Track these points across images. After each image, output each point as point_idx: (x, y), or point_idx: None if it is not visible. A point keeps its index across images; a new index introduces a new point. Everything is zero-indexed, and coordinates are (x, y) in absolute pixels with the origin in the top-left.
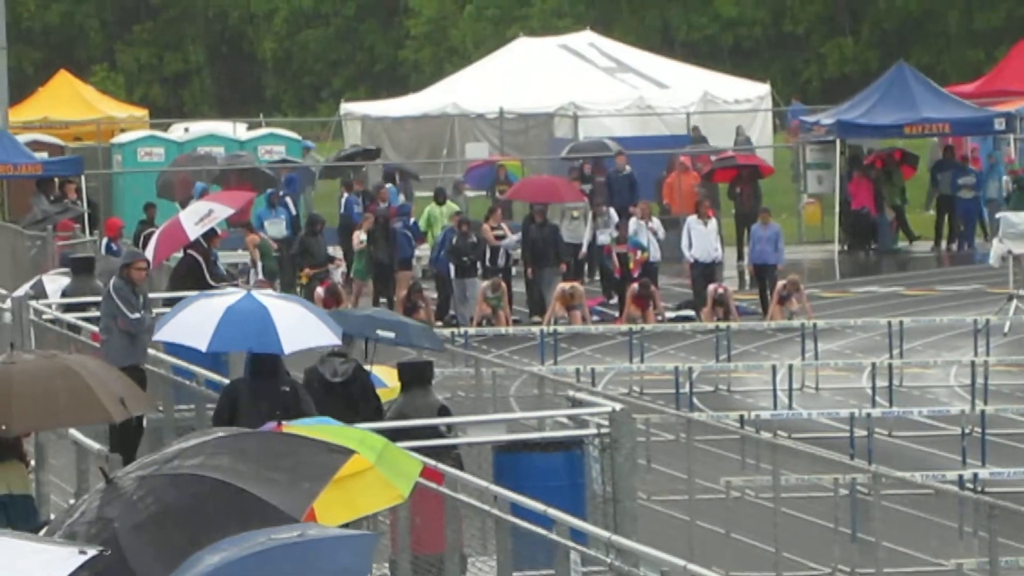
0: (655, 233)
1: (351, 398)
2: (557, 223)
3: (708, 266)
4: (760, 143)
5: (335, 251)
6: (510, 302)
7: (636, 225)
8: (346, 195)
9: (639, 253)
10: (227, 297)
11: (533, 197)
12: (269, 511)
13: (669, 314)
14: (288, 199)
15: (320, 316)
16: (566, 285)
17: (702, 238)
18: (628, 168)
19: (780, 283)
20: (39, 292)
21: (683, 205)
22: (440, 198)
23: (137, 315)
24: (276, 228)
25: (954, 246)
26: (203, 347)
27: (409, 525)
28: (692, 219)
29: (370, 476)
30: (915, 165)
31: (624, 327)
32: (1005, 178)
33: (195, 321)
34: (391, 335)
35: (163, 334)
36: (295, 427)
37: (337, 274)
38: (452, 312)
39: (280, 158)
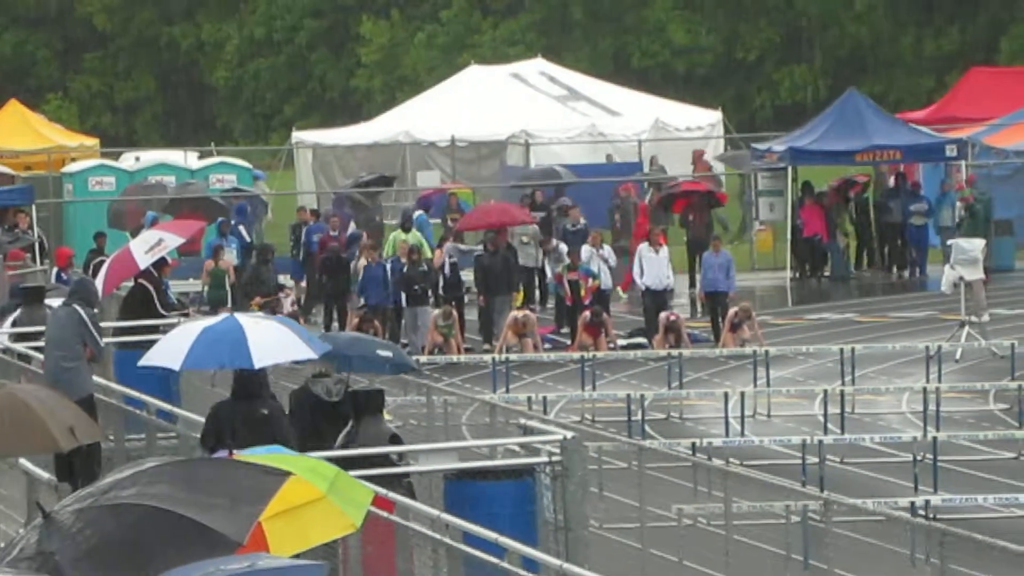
0: (606, 261)
1: (346, 417)
2: (513, 246)
3: (660, 294)
4: (712, 170)
5: (286, 280)
6: (462, 330)
7: (587, 253)
8: (311, 223)
9: (590, 281)
10: (208, 320)
11: (483, 224)
12: (210, 535)
13: (621, 342)
14: (241, 228)
15: (301, 333)
16: (518, 313)
17: (653, 265)
18: (583, 221)
19: (732, 310)
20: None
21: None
22: (407, 225)
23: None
24: (227, 257)
25: (906, 273)
26: (176, 366)
27: (360, 554)
28: (643, 246)
29: (322, 505)
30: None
31: (576, 355)
32: (958, 204)
33: (173, 343)
34: (389, 354)
35: (145, 359)
36: (247, 456)
37: (287, 303)
38: (404, 340)
39: (231, 187)
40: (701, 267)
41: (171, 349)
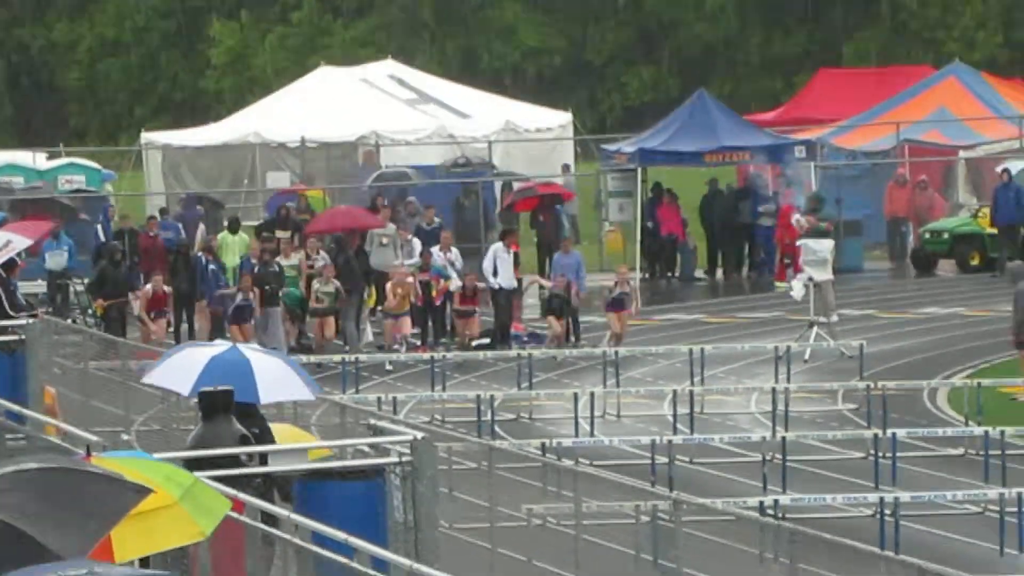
0: (452, 264)
1: None
2: (368, 249)
3: (511, 293)
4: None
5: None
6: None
7: (435, 254)
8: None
9: (442, 281)
10: (213, 348)
11: (333, 227)
12: (48, 556)
13: (475, 342)
14: (99, 227)
15: (300, 373)
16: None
17: (506, 265)
18: (437, 220)
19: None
20: None
21: None
22: (233, 226)
23: None
24: (57, 260)
25: (755, 274)
26: (185, 392)
27: (209, 555)
28: (498, 246)
29: (173, 512)
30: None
31: (426, 356)
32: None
33: (180, 367)
34: None
35: (151, 377)
36: (105, 459)
37: (139, 306)
38: (254, 342)
39: (79, 188)
40: (552, 268)
41: (180, 373)
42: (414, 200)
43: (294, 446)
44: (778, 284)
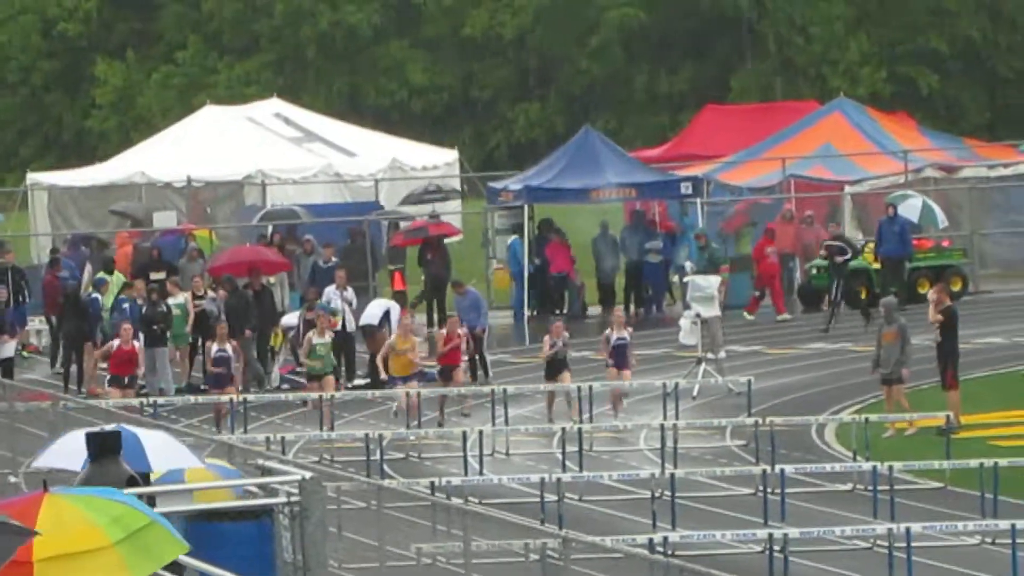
0: (350, 303)
1: None
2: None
3: (376, 330)
4: (447, 209)
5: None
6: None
7: (331, 294)
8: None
9: (330, 319)
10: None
11: (237, 268)
12: None
13: (359, 381)
14: None
15: (180, 444)
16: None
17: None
18: (335, 259)
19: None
20: None
21: None
22: (108, 267)
23: None
24: None
25: (642, 310)
26: (78, 468)
27: None
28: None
29: (104, 555)
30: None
31: (314, 395)
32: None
33: (71, 449)
34: None
35: (43, 460)
36: (60, 494)
37: (6, 349)
38: (142, 382)
39: None
40: (455, 309)
41: (72, 453)
42: (311, 239)
43: (183, 487)
44: (747, 315)
